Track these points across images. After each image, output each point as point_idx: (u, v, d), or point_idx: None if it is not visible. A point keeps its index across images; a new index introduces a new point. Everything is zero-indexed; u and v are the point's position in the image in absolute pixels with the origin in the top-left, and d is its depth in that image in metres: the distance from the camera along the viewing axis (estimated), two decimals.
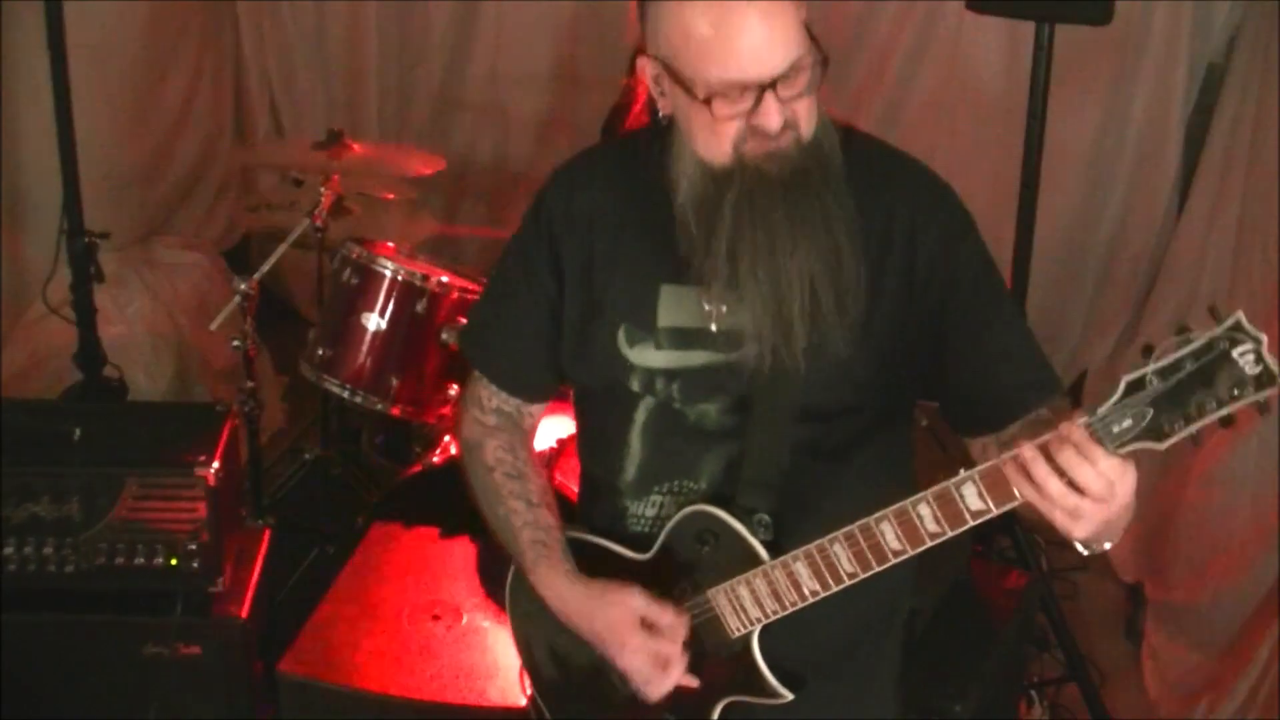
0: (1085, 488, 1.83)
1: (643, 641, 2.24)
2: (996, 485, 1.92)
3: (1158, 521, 4.76)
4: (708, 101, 2.02)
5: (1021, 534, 4.17)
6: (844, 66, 6.35)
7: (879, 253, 2.17)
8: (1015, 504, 1.92)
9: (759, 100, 2.01)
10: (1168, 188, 5.96)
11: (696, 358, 2.22)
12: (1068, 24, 3.98)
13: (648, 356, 2.25)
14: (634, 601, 2.25)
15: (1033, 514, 1.91)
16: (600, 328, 2.28)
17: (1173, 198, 5.96)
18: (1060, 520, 1.88)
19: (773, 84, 1.99)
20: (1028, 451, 1.87)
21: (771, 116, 2.01)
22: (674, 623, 2.24)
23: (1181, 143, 5.90)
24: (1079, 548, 1.98)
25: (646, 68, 2.12)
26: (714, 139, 2.07)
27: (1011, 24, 5.17)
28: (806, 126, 2.08)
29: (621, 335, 2.26)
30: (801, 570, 2.12)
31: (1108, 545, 1.97)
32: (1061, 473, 1.83)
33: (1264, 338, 1.73)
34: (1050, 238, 5.05)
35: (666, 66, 2.07)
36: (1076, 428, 1.82)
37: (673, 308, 2.23)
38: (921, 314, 2.19)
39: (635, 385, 2.26)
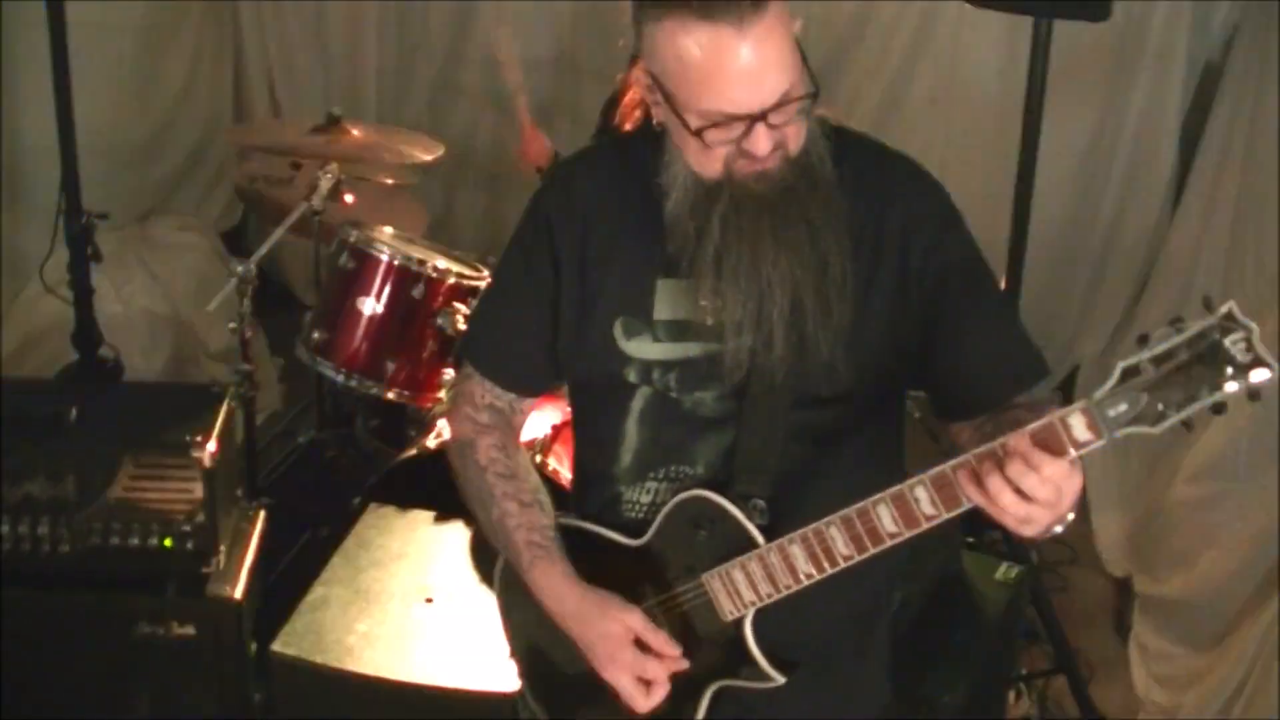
0: (1032, 495, 1.86)
1: (634, 660, 2.26)
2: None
3: (1147, 517, 4.79)
4: (699, 132, 2.05)
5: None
6: (842, 63, 6.38)
7: (872, 251, 2.20)
8: None
9: (749, 129, 2.03)
10: (1163, 185, 6.00)
11: (692, 349, 2.24)
12: (1066, 20, 3.99)
13: (644, 349, 2.27)
14: (633, 621, 2.27)
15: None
16: (597, 321, 2.29)
17: (1168, 195, 5.99)
18: (1011, 524, 1.92)
19: (763, 114, 2.01)
20: (980, 461, 1.91)
21: (761, 144, 2.04)
22: (668, 649, 2.26)
23: (1177, 141, 5.93)
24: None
25: (641, 77, 2.14)
26: (704, 157, 2.10)
27: (1010, 22, 5.18)
28: (795, 145, 2.11)
29: (619, 328, 2.27)
30: (797, 553, 2.13)
31: (1057, 530, 1.99)
32: (1011, 482, 1.87)
33: (1255, 327, 1.76)
34: (1045, 234, 5.07)
35: (659, 84, 2.09)
36: (1021, 438, 1.86)
37: (669, 301, 2.25)
38: (913, 307, 2.21)
39: (632, 376, 2.28)
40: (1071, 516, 1.96)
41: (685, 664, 2.27)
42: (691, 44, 1.99)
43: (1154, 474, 4.75)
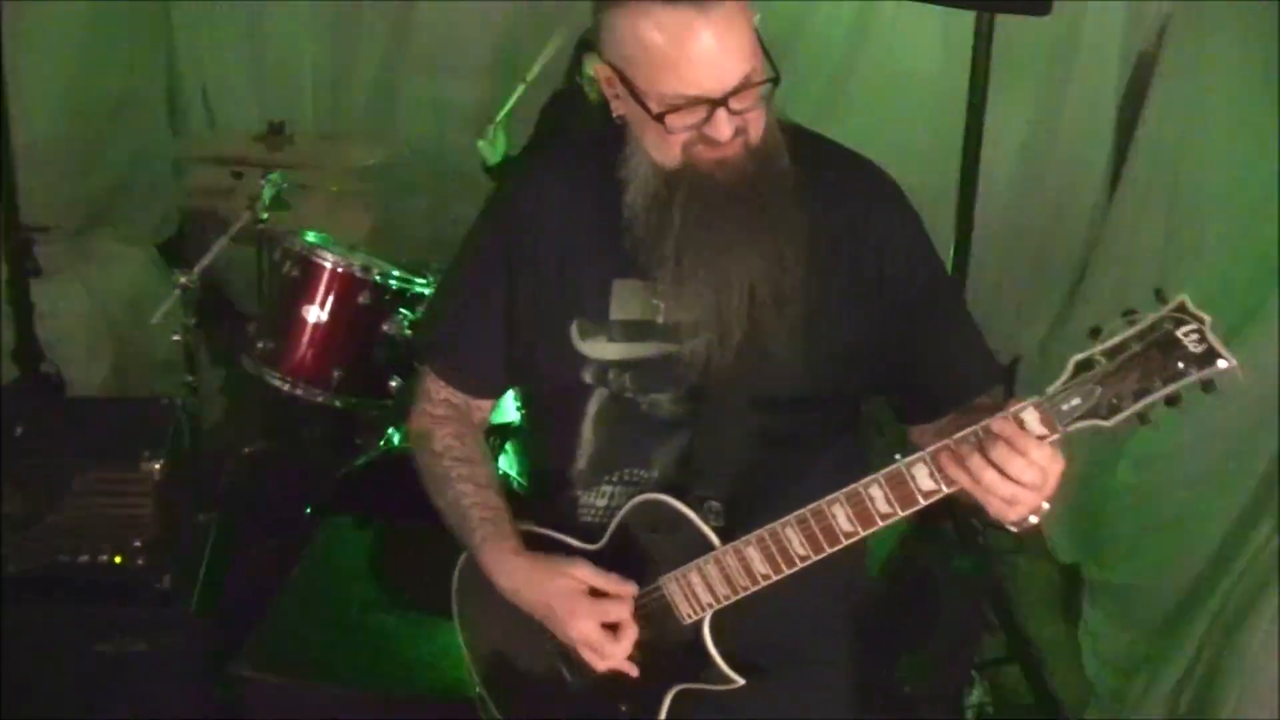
0: (1018, 478, 1.89)
1: (591, 606, 2.24)
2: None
3: (1094, 503, 4.82)
4: (661, 116, 2.05)
5: (961, 518, 4.22)
6: (782, 58, 6.36)
7: (831, 252, 2.21)
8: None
9: (711, 114, 2.04)
10: (1100, 176, 6.03)
11: (647, 349, 2.24)
12: (1008, 14, 4.01)
13: (600, 349, 2.27)
14: (581, 572, 2.26)
15: (969, 498, 1.97)
16: (553, 322, 2.29)
17: (1105, 185, 6.03)
18: (996, 507, 1.95)
19: (725, 99, 2.02)
20: (962, 444, 1.93)
21: (723, 129, 2.05)
22: (622, 589, 2.25)
23: (1113, 131, 5.97)
24: (1009, 527, 2.03)
25: (600, 70, 2.14)
26: (665, 144, 2.10)
27: (947, 15, 5.22)
28: (756, 133, 2.11)
29: (574, 329, 2.27)
30: (753, 554, 2.14)
31: (1033, 520, 2.02)
32: (995, 465, 1.89)
33: (1207, 319, 1.79)
34: (985, 226, 5.10)
35: (620, 74, 2.09)
36: (1006, 421, 1.89)
37: (624, 301, 2.25)
38: (874, 311, 2.23)
39: (588, 377, 2.28)
40: (1047, 506, 1.99)
41: (635, 590, 2.25)
42: (654, 28, 2.00)
43: (1100, 461, 4.78)
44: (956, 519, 4.24)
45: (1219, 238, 4.71)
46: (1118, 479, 4.55)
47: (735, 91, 2.03)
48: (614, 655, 2.25)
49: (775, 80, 2.08)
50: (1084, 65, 5.92)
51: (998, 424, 1.90)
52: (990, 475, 1.90)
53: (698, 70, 2.01)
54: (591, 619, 2.24)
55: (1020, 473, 1.89)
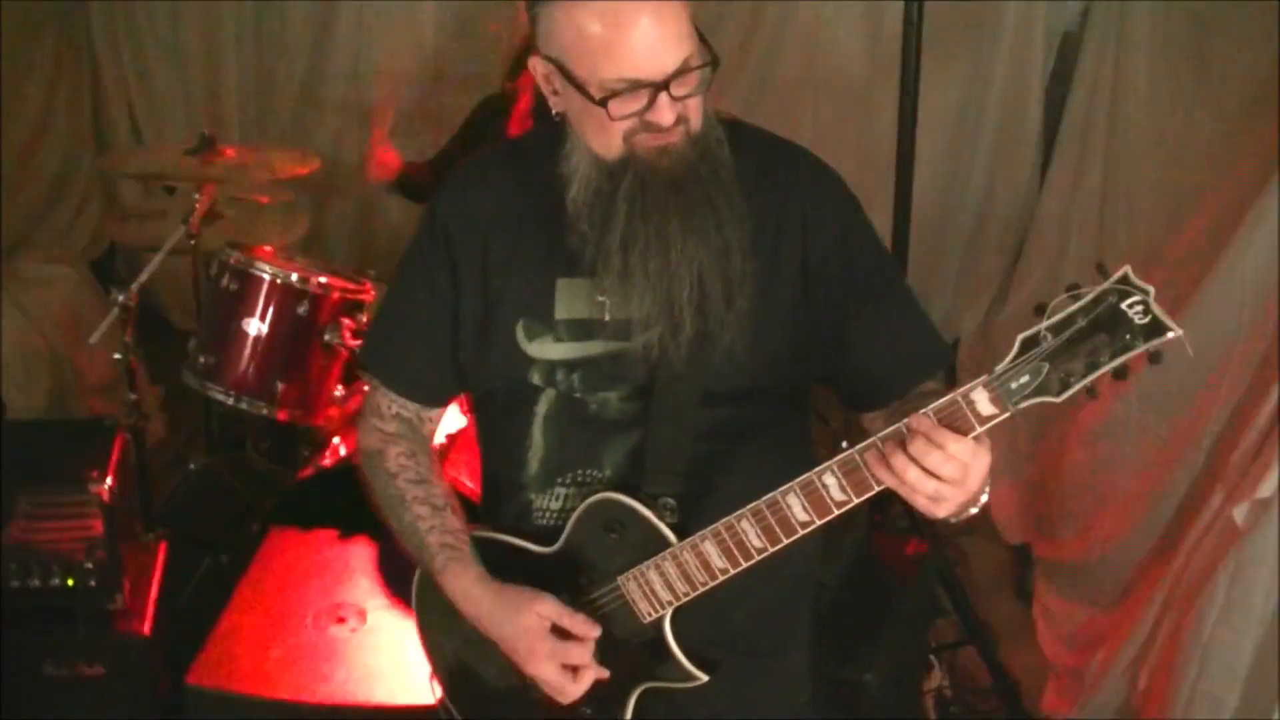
0: (937, 472, 1.89)
1: (553, 648, 2.25)
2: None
3: (1041, 482, 4.86)
4: (603, 102, 2.05)
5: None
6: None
7: (773, 243, 2.22)
8: None
9: (653, 100, 2.04)
10: (1030, 156, 6.10)
11: (594, 348, 2.24)
12: (942, 2, 4.04)
13: (547, 349, 2.26)
14: (545, 608, 2.26)
15: None
16: (499, 325, 2.28)
17: (1035, 165, 6.09)
18: (921, 504, 1.96)
19: (665, 83, 2.03)
20: (885, 443, 1.94)
21: (664, 114, 2.05)
22: (585, 629, 2.25)
23: (1041, 110, 6.03)
24: (948, 519, 2.04)
25: (537, 67, 2.14)
26: (606, 134, 2.10)
27: (870, 3, 5.26)
28: (696, 119, 2.12)
29: (520, 330, 2.27)
30: (710, 549, 2.14)
31: (972, 511, 2.04)
32: (915, 460, 1.90)
33: (1151, 289, 1.79)
34: (919, 209, 5.12)
35: (559, 66, 2.09)
36: (923, 417, 1.90)
37: (568, 300, 2.25)
38: (817, 299, 2.24)
39: (536, 379, 2.27)
40: (985, 498, 2.00)
41: (598, 632, 2.25)
42: (591, 17, 2.01)
43: (1045, 439, 4.82)
44: (910, 505, 4.25)
45: (1150, 211, 4.75)
46: (1065, 456, 4.58)
47: (675, 75, 2.03)
48: (572, 695, 2.27)
49: (714, 63, 2.08)
50: (1009, 47, 6.00)
51: (915, 419, 1.91)
52: (913, 473, 1.91)
53: (638, 55, 2.01)
54: (553, 661, 2.25)
55: (938, 466, 1.89)
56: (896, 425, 1.94)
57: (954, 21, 5.63)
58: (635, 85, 2.03)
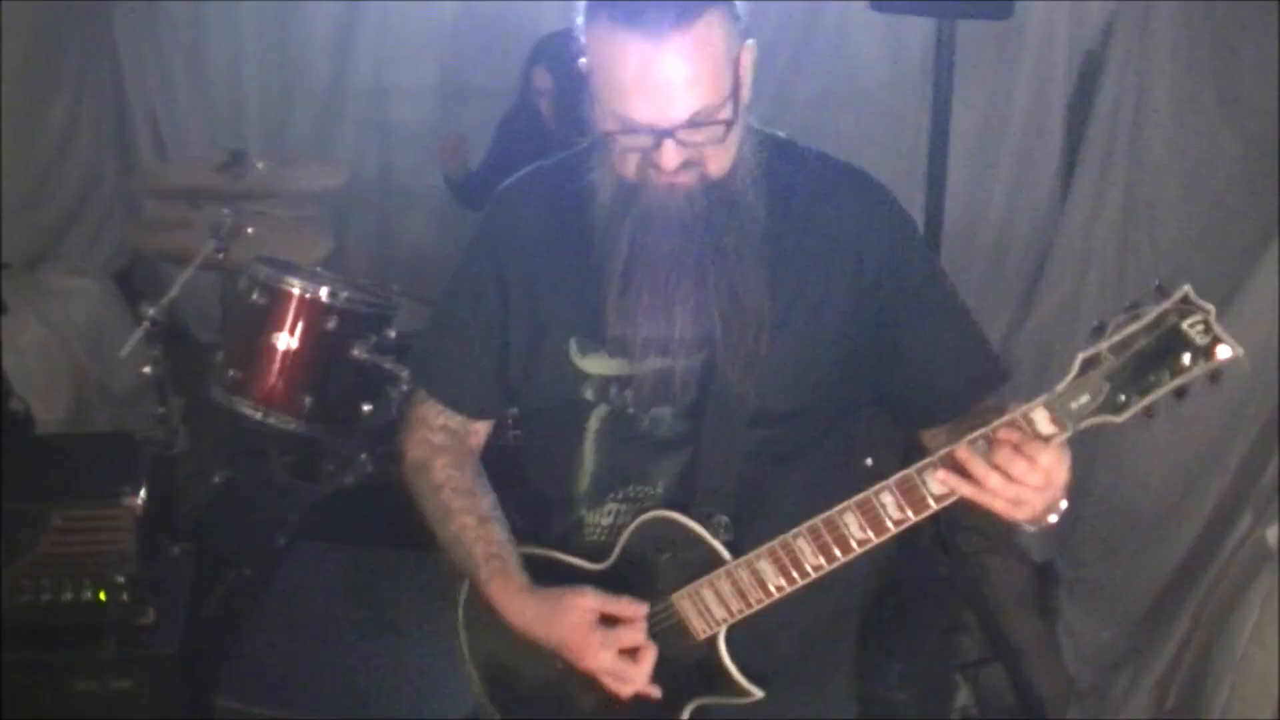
0: (1022, 480, 1.90)
1: (604, 637, 2.23)
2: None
3: (1070, 501, 4.83)
4: (610, 133, 2.05)
5: (943, 521, 4.24)
6: None
7: (824, 266, 2.21)
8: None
9: (659, 143, 2.03)
10: (1052, 174, 6.09)
11: (646, 365, 2.22)
12: (970, 20, 4.03)
13: (601, 365, 2.26)
14: (588, 601, 2.24)
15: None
16: (550, 341, 2.28)
17: (1057, 183, 6.08)
18: (1002, 509, 1.96)
19: (670, 131, 2.01)
20: (962, 451, 1.94)
21: (668, 159, 2.04)
22: (633, 610, 2.23)
23: (1063, 129, 6.02)
24: (1024, 526, 2.04)
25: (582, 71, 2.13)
26: (620, 159, 2.11)
27: (894, 18, 5.24)
28: (716, 166, 2.10)
29: (573, 346, 2.26)
30: (766, 567, 2.13)
31: (1052, 519, 2.04)
32: (999, 468, 1.90)
33: (1212, 308, 1.80)
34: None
35: (589, 81, 2.09)
36: (1011, 428, 1.90)
37: (619, 316, 2.22)
38: (872, 320, 2.23)
39: (589, 394, 2.27)
40: (1065, 504, 2.00)
41: (645, 610, 2.23)
42: (607, 48, 2.00)
43: (1074, 459, 4.80)
44: (938, 524, 4.26)
45: (1173, 231, 4.75)
46: (1093, 476, 4.57)
47: (683, 125, 2.01)
48: (637, 678, 2.24)
49: (729, 124, 2.06)
50: (1031, 66, 5.99)
51: (1004, 430, 1.91)
52: (995, 479, 1.91)
53: (640, 100, 2.00)
54: (608, 649, 2.23)
55: (1024, 475, 1.90)
56: (974, 435, 1.94)
57: (976, 41, 5.63)
58: (640, 128, 2.02)
